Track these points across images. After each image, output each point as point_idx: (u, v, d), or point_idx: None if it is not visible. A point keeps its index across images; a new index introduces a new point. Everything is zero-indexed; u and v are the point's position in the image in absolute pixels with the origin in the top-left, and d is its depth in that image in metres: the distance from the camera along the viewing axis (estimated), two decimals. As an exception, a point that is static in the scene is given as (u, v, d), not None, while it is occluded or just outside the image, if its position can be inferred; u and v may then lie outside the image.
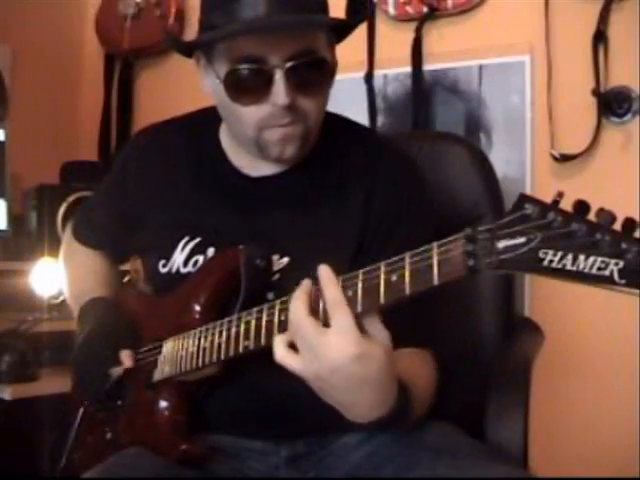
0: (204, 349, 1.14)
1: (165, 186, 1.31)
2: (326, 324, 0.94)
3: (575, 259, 0.74)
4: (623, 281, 0.73)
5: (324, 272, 0.95)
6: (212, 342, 1.13)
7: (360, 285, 0.93)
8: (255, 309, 1.08)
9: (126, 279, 1.59)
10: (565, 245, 0.75)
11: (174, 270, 1.26)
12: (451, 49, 2.20)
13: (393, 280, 0.89)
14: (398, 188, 1.25)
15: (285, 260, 1.21)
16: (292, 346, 0.97)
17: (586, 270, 0.75)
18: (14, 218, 2.36)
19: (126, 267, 1.59)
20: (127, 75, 2.85)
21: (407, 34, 2.24)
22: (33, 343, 2.12)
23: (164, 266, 1.27)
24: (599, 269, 0.74)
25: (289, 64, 1.12)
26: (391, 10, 2.25)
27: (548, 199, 2.29)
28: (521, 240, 0.77)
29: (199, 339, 1.16)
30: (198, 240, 1.25)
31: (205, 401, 1.22)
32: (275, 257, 1.20)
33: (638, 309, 1.82)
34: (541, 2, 2.06)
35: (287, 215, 1.24)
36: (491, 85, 2.15)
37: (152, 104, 2.83)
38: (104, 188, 1.45)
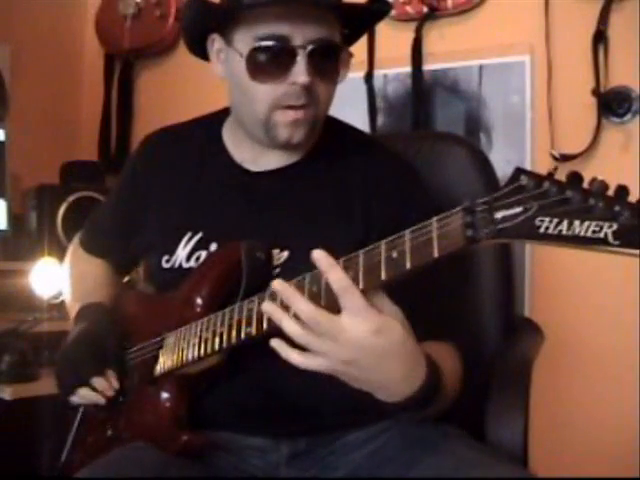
0: (206, 339, 1.15)
1: (169, 185, 1.33)
2: (331, 307, 0.94)
3: (570, 224, 0.77)
4: (617, 242, 0.76)
5: (322, 257, 0.95)
6: (214, 332, 1.14)
7: (361, 264, 0.94)
8: (257, 296, 1.09)
9: (126, 279, 1.59)
10: (560, 212, 0.78)
11: (177, 265, 1.27)
12: (451, 49, 2.21)
13: (394, 256, 0.91)
14: (399, 189, 1.27)
15: (285, 254, 1.22)
16: (295, 346, 0.96)
17: (581, 234, 0.77)
18: (14, 218, 2.36)
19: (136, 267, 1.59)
20: (127, 75, 2.86)
21: (407, 34, 2.24)
22: (33, 343, 2.12)
23: (167, 261, 1.28)
24: (594, 232, 0.77)
25: (311, 46, 1.16)
26: (391, 10, 2.25)
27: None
28: (518, 210, 0.80)
29: (200, 330, 1.17)
30: (200, 235, 1.27)
31: (206, 397, 1.22)
32: (275, 251, 1.22)
33: (638, 309, 1.83)
34: (541, 2, 2.06)
35: (287, 210, 1.26)
36: (491, 85, 2.15)
37: (152, 104, 2.83)
38: (113, 192, 1.48)
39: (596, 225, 0.77)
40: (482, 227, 0.82)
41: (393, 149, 1.36)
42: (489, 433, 1.25)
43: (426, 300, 1.13)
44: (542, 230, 0.78)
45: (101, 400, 1.24)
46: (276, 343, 0.97)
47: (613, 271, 1.89)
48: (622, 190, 0.77)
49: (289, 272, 1.16)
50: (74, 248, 1.54)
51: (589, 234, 0.77)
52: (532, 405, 1.29)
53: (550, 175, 0.80)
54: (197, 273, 1.24)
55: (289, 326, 0.95)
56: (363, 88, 2.31)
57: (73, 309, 1.40)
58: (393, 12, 2.25)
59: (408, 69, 2.25)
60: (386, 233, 1.20)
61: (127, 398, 1.26)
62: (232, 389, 1.21)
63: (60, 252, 2.33)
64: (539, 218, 0.78)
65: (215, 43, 1.26)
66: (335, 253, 0.98)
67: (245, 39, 1.19)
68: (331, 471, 1.21)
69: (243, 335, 1.09)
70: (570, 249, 0.78)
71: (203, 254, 1.26)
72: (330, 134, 1.31)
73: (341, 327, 0.93)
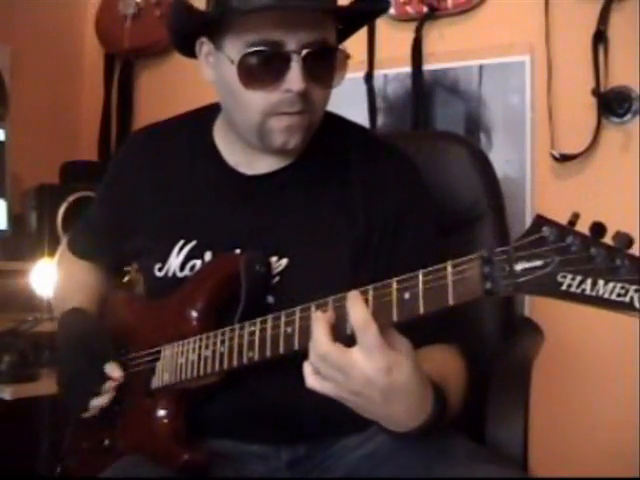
0: (206, 358, 1.13)
1: (159, 188, 1.29)
2: (346, 340, 0.93)
3: (594, 284, 0.74)
4: None
5: (352, 295, 0.94)
6: (214, 351, 1.12)
7: (371, 302, 0.92)
8: (259, 319, 1.07)
9: (126, 279, 1.58)
10: (584, 270, 0.75)
11: (170, 274, 1.24)
12: (451, 49, 2.20)
13: (406, 298, 0.89)
14: (399, 186, 1.24)
15: (284, 262, 1.19)
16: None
17: (606, 295, 0.74)
18: (14, 218, 2.36)
19: (127, 267, 1.59)
20: (127, 75, 2.85)
21: (407, 34, 2.24)
22: (33, 343, 2.12)
23: (160, 270, 1.25)
24: (619, 295, 0.74)
25: (306, 51, 1.11)
26: (391, 10, 2.24)
27: (548, 198, 2.29)
28: (538, 263, 0.77)
29: (200, 347, 1.14)
30: (194, 243, 1.23)
31: (205, 406, 1.21)
32: (273, 259, 1.19)
33: (638, 309, 1.82)
34: (541, 2, 2.06)
35: (284, 215, 1.23)
36: (491, 85, 2.15)
37: (152, 104, 2.83)
38: (98, 194, 1.45)
39: (621, 287, 0.74)
40: (501, 279, 0.80)
41: (393, 144, 1.33)
42: (489, 433, 1.25)
43: None
44: (564, 287, 0.76)
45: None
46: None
47: (613, 271, 1.89)
48: None
49: (288, 280, 1.17)
50: (62, 250, 1.52)
51: (614, 297, 0.74)
52: (532, 405, 1.29)
53: (572, 224, 0.77)
54: (193, 283, 1.21)
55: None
56: (363, 88, 2.30)
57: (56, 312, 1.39)
58: (393, 12, 2.25)
59: (408, 69, 2.25)
60: (387, 233, 1.20)
61: (123, 406, 1.25)
62: (230, 398, 1.20)
63: (60, 252, 2.34)
64: (561, 274, 0.76)
65: (204, 47, 1.20)
66: (338, 267, 0.98)
67: (236, 45, 1.14)
68: (329, 474, 1.21)
69: (245, 360, 1.08)
70: (592, 308, 0.76)
71: (198, 263, 1.22)
72: (328, 131, 1.27)
73: (353, 363, 0.91)
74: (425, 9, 2.20)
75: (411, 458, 1.11)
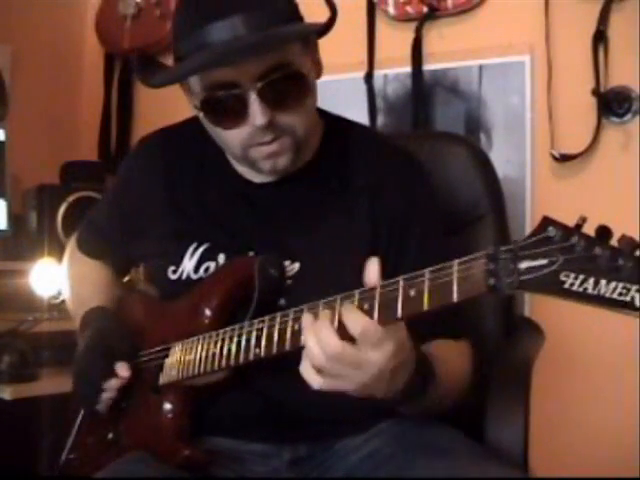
0: (213, 355, 1.14)
1: (170, 192, 1.30)
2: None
3: (596, 283, 0.75)
4: None
5: (347, 309, 0.95)
6: (222, 348, 1.13)
7: (377, 299, 0.93)
8: (267, 317, 1.07)
9: (125, 279, 1.58)
10: (587, 269, 0.76)
11: (184, 277, 1.25)
12: (451, 49, 2.20)
13: (411, 295, 0.90)
14: (404, 186, 1.25)
15: (296, 266, 1.20)
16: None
17: (607, 295, 0.75)
18: (14, 218, 2.36)
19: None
20: (127, 75, 2.85)
21: (407, 34, 2.24)
22: (33, 343, 2.12)
23: (174, 272, 1.26)
24: (620, 294, 0.75)
25: (260, 83, 1.10)
26: (391, 10, 2.25)
27: (548, 199, 2.29)
28: (543, 262, 0.78)
29: (208, 344, 1.15)
30: (207, 246, 1.24)
31: (207, 404, 1.21)
32: (286, 263, 1.20)
33: (638, 309, 1.82)
34: (541, 2, 2.06)
35: (294, 220, 1.24)
36: (491, 85, 2.15)
37: (152, 104, 2.82)
38: (108, 196, 1.46)
39: (623, 287, 0.75)
40: (505, 276, 0.81)
41: (398, 144, 1.33)
42: (489, 433, 1.25)
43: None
44: (566, 286, 0.76)
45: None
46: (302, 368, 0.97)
47: (613, 271, 1.89)
48: None
49: (300, 283, 1.18)
50: (71, 250, 1.52)
51: (615, 295, 0.75)
52: (532, 405, 1.29)
53: (578, 227, 0.78)
54: (207, 284, 1.22)
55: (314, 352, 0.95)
56: (363, 88, 2.30)
57: (76, 313, 1.38)
58: (393, 12, 2.25)
59: (408, 69, 2.24)
60: (394, 235, 1.21)
61: (130, 403, 1.26)
62: (233, 397, 1.20)
63: (60, 252, 2.32)
64: (564, 273, 0.76)
65: (184, 87, 1.23)
66: (350, 270, 1.00)
67: (196, 88, 1.17)
68: (330, 473, 1.21)
69: (252, 356, 1.08)
70: (592, 307, 0.76)
71: (212, 265, 1.24)
72: (333, 134, 1.28)
73: (369, 357, 0.93)
74: (425, 9, 2.20)
75: (410, 458, 1.11)
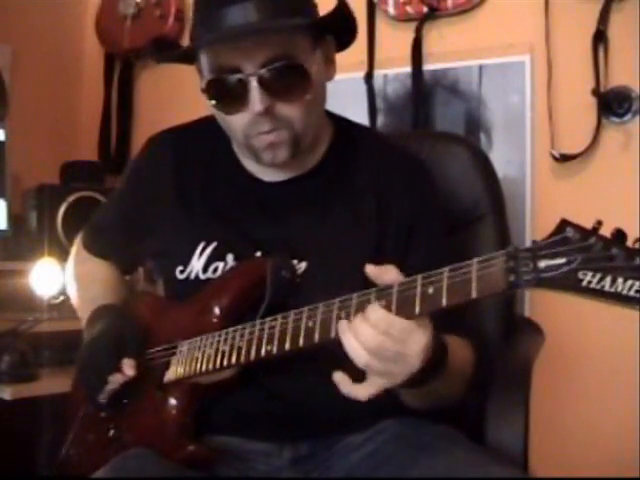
0: (223, 352, 1.14)
1: (179, 190, 1.31)
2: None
3: (614, 281, 0.79)
4: None
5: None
6: (232, 345, 1.13)
7: (395, 296, 0.94)
8: (280, 315, 1.08)
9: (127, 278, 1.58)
10: (604, 267, 0.79)
11: (193, 276, 1.26)
12: (451, 49, 2.20)
13: (430, 292, 0.91)
14: (410, 188, 1.26)
15: (303, 265, 1.21)
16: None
17: (624, 292, 0.79)
18: (14, 218, 2.36)
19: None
20: (127, 75, 2.85)
21: (407, 34, 2.24)
22: (33, 343, 2.12)
23: (181, 272, 1.27)
24: (637, 292, 0.78)
25: (262, 71, 1.12)
26: (391, 10, 2.25)
27: (548, 199, 2.28)
28: (561, 261, 0.81)
29: (218, 342, 1.15)
30: (214, 245, 1.25)
31: (211, 403, 1.22)
32: (294, 262, 1.21)
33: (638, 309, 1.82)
34: (541, 2, 2.06)
35: (302, 220, 1.25)
36: (491, 85, 2.15)
37: (152, 104, 2.83)
38: (116, 194, 1.46)
39: None
40: (524, 274, 0.83)
41: (405, 147, 1.35)
42: (489, 433, 1.25)
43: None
44: (584, 283, 0.80)
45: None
46: (339, 377, 0.99)
47: (613, 271, 1.89)
48: None
49: (307, 283, 1.19)
50: (77, 249, 1.52)
51: (632, 293, 0.78)
52: (532, 405, 1.29)
53: (595, 230, 0.81)
54: (217, 284, 1.23)
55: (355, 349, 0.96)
56: (363, 88, 2.30)
57: (83, 311, 1.38)
58: (393, 12, 2.25)
59: (408, 69, 2.25)
60: (400, 236, 1.22)
61: (133, 400, 1.25)
62: (237, 395, 1.21)
63: (60, 252, 2.33)
64: (582, 271, 0.80)
65: (196, 68, 1.25)
66: (356, 269, 1.01)
67: (205, 71, 1.19)
68: (331, 472, 1.21)
69: (263, 352, 1.09)
70: (609, 305, 0.80)
71: (220, 265, 1.24)
72: (342, 137, 1.30)
73: (403, 351, 0.95)
74: (425, 9, 2.20)
75: (409, 458, 1.12)
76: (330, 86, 1.26)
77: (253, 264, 1.21)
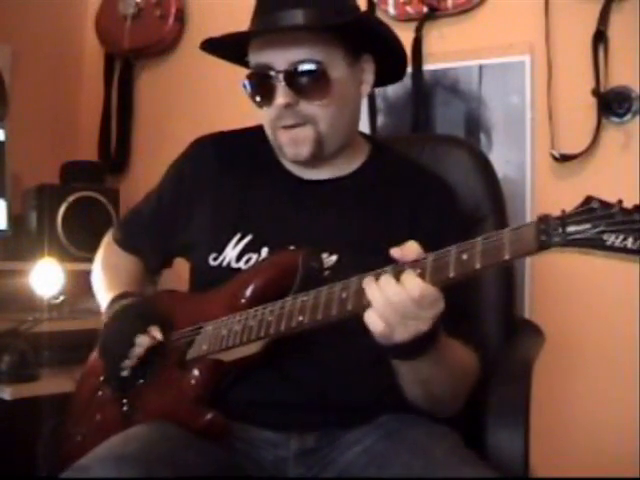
0: (251, 327, 1.18)
1: (219, 186, 1.37)
2: None
3: (636, 239, 0.87)
4: None
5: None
6: (261, 321, 1.17)
7: (429, 263, 1.01)
8: (312, 291, 1.12)
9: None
10: (627, 229, 0.88)
11: (225, 264, 1.31)
12: (451, 49, 2.20)
13: (464, 258, 0.98)
14: (439, 210, 1.34)
15: (334, 258, 1.27)
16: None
17: None
18: (14, 218, 2.36)
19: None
20: (127, 75, 2.85)
21: (407, 34, 2.23)
22: (33, 343, 2.12)
23: (215, 259, 1.32)
24: None
25: (289, 69, 1.24)
26: (391, 10, 2.25)
27: (548, 199, 2.28)
28: (587, 226, 0.90)
29: (246, 319, 1.19)
30: (250, 238, 1.31)
31: (225, 388, 1.24)
32: (324, 255, 1.26)
33: (638, 309, 1.83)
34: (541, 2, 2.06)
35: (336, 217, 1.32)
36: (491, 85, 2.15)
37: (152, 104, 2.83)
38: (153, 192, 1.49)
39: None
40: (555, 236, 0.91)
41: (435, 172, 1.43)
42: (490, 433, 1.25)
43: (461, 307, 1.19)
44: (609, 243, 0.88)
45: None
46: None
47: (613, 272, 1.89)
48: None
49: (338, 275, 1.21)
50: (107, 242, 1.55)
51: None
52: (532, 405, 1.29)
53: (620, 202, 0.90)
54: (248, 273, 1.27)
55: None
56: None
57: (106, 296, 1.40)
58: (393, 12, 2.25)
59: (408, 69, 2.23)
60: (430, 244, 1.25)
61: (150, 379, 1.27)
62: (249, 382, 1.24)
63: (60, 252, 2.33)
64: (606, 234, 0.89)
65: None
66: (383, 258, 1.05)
67: (250, 67, 1.31)
68: (328, 466, 1.24)
69: (294, 323, 1.12)
70: (633, 261, 0.88)
71: (254, 257, 1.30)
72: (377, 155, 1.40)
73: (423, 314, 1.02)
74: (425, 9, 2.20)
75: (393, 456, 1.16)
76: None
77: (284, 255, 1.25)
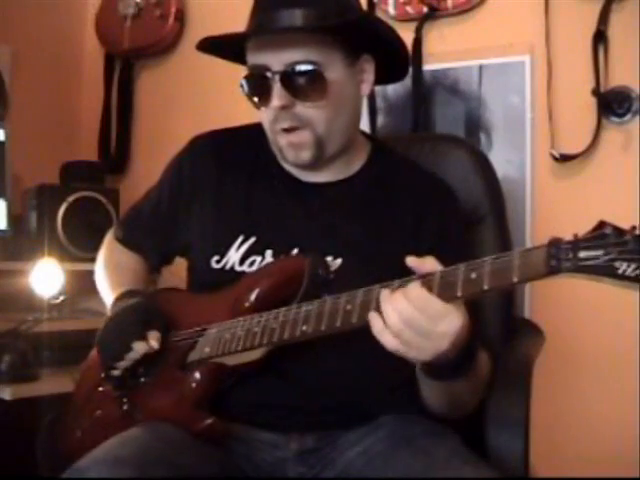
0: (254, 333, 1.17)
1: (220, 185, 1.36)
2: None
3: None
4: None
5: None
6: (265, 327, 1.16)
7: (437, 281, 0.99)
8: (317, 300, 1.12)
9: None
10: (639, 259, 0.86)
11: (228, 267, 1.30)
12: (451, 49, 2.20)
13: (472, 277, 0.96)
14: (443, 210, 1.34)
15: (338, 261, 1.26)
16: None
17: None
18: (14, 218, 2.36)
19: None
20: (127, 75, 2.85)
21: (407, 34, 2.23)
22: (33, 343, 2.12)
23: (217, 262, 1.31)
24: None
25: (285, 71, 1.23)
26: (391, 10, 2.25)
27: (548, 199, 2.28)
28: (599, 252, 0.89)
29: (250, 324, 1.19)
30: (253, 240, 1.30)
31: (227, 390, 1.24)
32: (329, 258, 1.25)
33: (638, 309, 1.83)
34: (541, 2, 2.06)
35: (339, 220, 1.31)
36: (491, 85, 2.15)
37: (152, 104, 2.83)
38: (155, 190, 1.49)
39: None
40: (565, 261, 0.90)
41: (436, 174, 1.42)
42: (490, 433, 1.25)
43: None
44: (620, 272, 0.87)
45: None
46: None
47: (613, 271, 1.89)
48: None
49: (342, 279, 1.23)
50: (109, 241, 1.55)
51: None
52: (532, 405, 1.29)
53: (634, 228, 0.88)
54: (254, 276, 1.26)
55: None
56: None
57: (109, 295, 1.40)
58: (393, 12, 2.25)
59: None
60: (432, 246, 1.26)
61: (151, 379, 1.26)
62: (250, 383, 1.23)
63: (60, 252, 2.33)
64: (618, 262, 0.87)
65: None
66: (389, 269, 1.05)
67: (248, 67, 1.29)
68: (329, 466, 1.24)
69: (298, 332, 1.12)
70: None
71: (258, 259, 1.29)
72: (378, 155, 1.38)
73: (435, 330, 0.99)
74: (425, 9, 2.20)
75: (393, 456, 1.16)
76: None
77: (291, 260, 1.25)
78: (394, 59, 1.36)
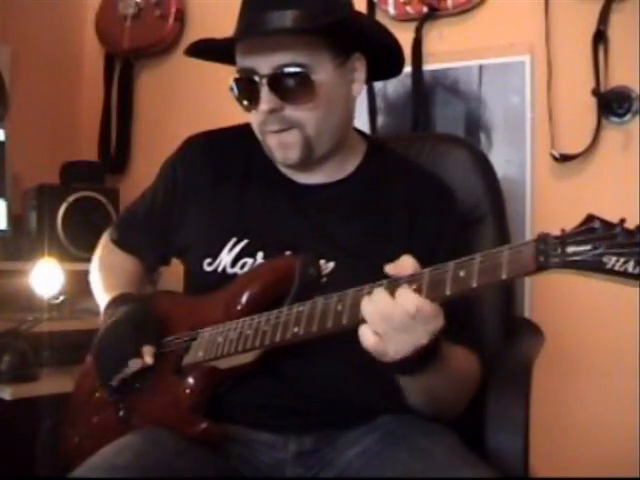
0: (247, 336, 1.16)
1: (213, 187, 1.35)
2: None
3: (637, 264, 0.84)
4: None
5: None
6: (257, 330, 1.16)
7: (426, 279, 0.98)
8: (309, 301, 1.11)
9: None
10: (628, 252, 0.85)
11: (220, 269, 1.29)
12: (451, 49, 2.20)
13: (461, 275, 0.96)
14: (439, 209, 1.33)
15: (331, 265, 1.25)
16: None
17: None
18: (14, 218, 2.36)
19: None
20: (127, 75, 2.85)
21: (407, 34, 2.23)
22: (33, 343, 2.12)
23: (209, 264, 1.30)
24: None
25: (272, 74, 1.22)
26: (391, 10, 2.25)
27: (548, 198, 2.29)
28: (587, 247, 0.87)
29: (242, 327, 1.18)
30: (246, 242, 1.29)
31: (223, 391, 1.24)
32: (322, 262, 1.24)
33: (638, 309, 1.83)
34: (541, 2, 2.06)
35: (333, 222, 1.30)
36: (491, 85, 2.15)
37: (152, 104, 2.83)
38: (149, 191, 1.49)
39: None
40: (553, 257, 0.89)
41: (432, 172, 1.41)
42: (490, 433, 1.25)
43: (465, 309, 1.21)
44: (609, 266, 0.85)
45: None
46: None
47: (613, 271, 1.89)
48: None
49: (335, 282, 1.22)
50: (105, 242, 1.55)
51: None
52: (532, 405, 1.29)
53: (622, 221, 0.87)
54: (245, 278, 1.25)
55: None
56: (363, 88, 2.30)
57: (104, 297, 1.39)
58: (393, 12, 2.25)
59: (408, 69, 2.24)
60: (428, 248, 1.25)
61: (146, 384, 1.26)
62: (248, 384, 1.23)
63: (60, 252, 2.33)
64: (607, 256, 0.86)
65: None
66: (380, 265, 1.03)
67: (236, 69, 1.28)
68: (328, 467, 1.24)
69: (289, 335, 1.11)
70: (633, 286, 0.85)
71: (249, 262, 1.28)
72: (373, 155, 1.37)
73: (416, 327, 0.99)
74: (425, 9, 2.20)
75: (391, 456, 1.16)
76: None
77: (282, 261, 1.24)
78: (388, 55, 1.34)
